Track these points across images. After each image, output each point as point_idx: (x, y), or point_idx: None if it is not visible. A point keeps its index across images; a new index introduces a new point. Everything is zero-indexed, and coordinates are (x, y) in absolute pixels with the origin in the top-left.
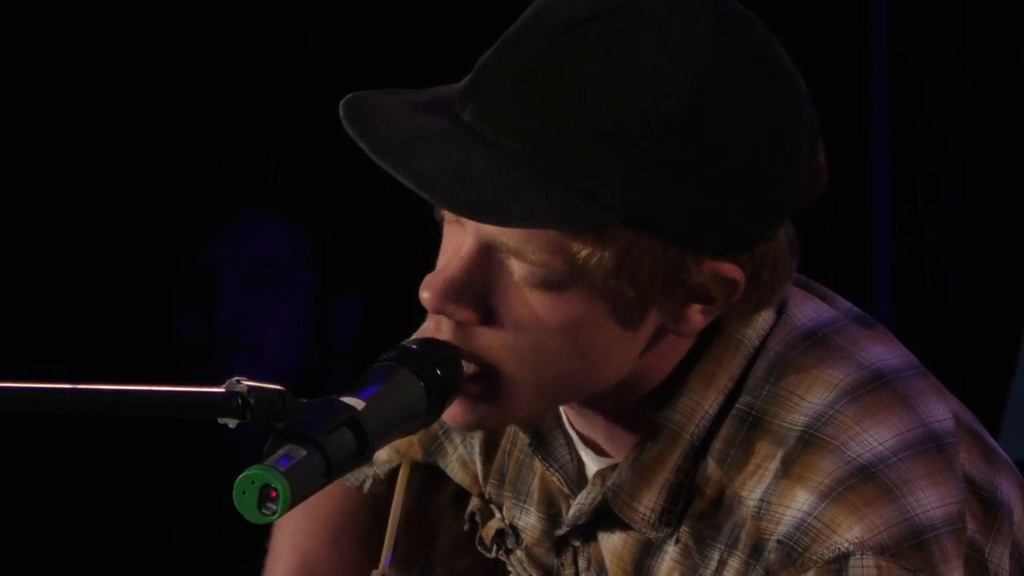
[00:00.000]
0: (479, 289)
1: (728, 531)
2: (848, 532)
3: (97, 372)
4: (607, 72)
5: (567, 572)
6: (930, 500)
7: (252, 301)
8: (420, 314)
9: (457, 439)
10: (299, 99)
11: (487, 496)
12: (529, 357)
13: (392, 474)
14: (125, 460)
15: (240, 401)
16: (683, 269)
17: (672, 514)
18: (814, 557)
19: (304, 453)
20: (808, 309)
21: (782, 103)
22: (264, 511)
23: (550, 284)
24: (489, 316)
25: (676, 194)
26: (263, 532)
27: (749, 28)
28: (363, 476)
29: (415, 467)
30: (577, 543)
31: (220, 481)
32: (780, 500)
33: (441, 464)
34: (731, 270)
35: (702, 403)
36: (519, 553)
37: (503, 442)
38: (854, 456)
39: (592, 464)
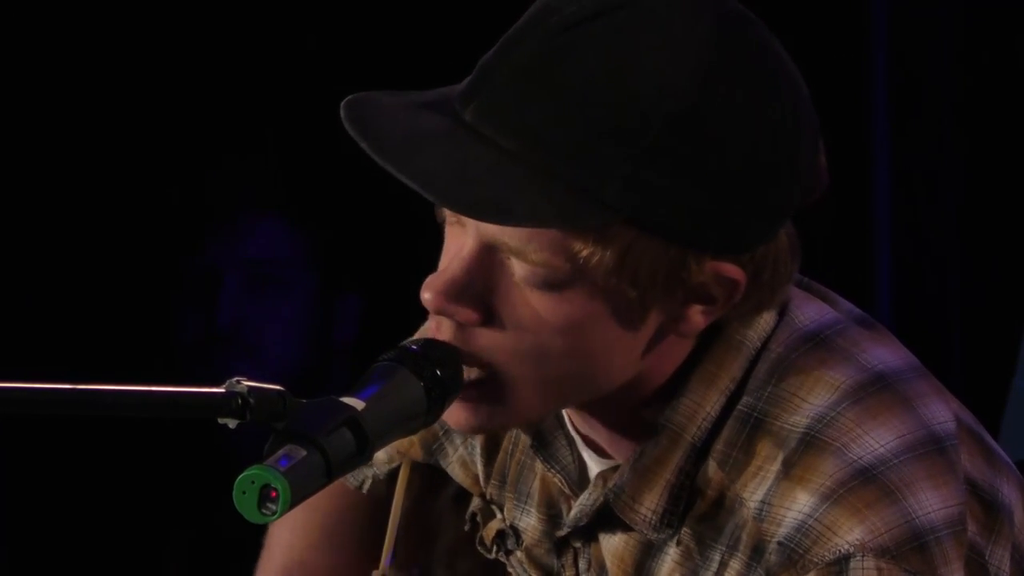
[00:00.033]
0: (480, 289)
1: (729, 532)
2: (849, 534)
3: (97, 372)
4: (608, 71)
5: (568, 573)
6: (931, 502)
7: (252, 301)
8: (420, 314)
9: (458, 439)
10: (299, 99)
11: (488, 497)
12: (530, 357)
13: (392, 475)
14: (125, 460)
15: (240, 401)
16: (684, 269)
17: (673, 515)
18: (815, 559)
19: (304, 453)
20: (809, 311)
21: (783, 103)
22: (264, 511)
23: (551, 284)
24: (490, 316)
25: (677, 193)
26: (263, 532)
27: (749, 28)
28: (362, 476)
29: (415, 467)
30: (578, 544)
31: (220, 481)
32: (781, 502)
33: (442, 464)
34: (732, 270)
35: (703, 404)
36: (519, 554)
37: (505, 443)
38: (855, 458)
39: (593, 465)
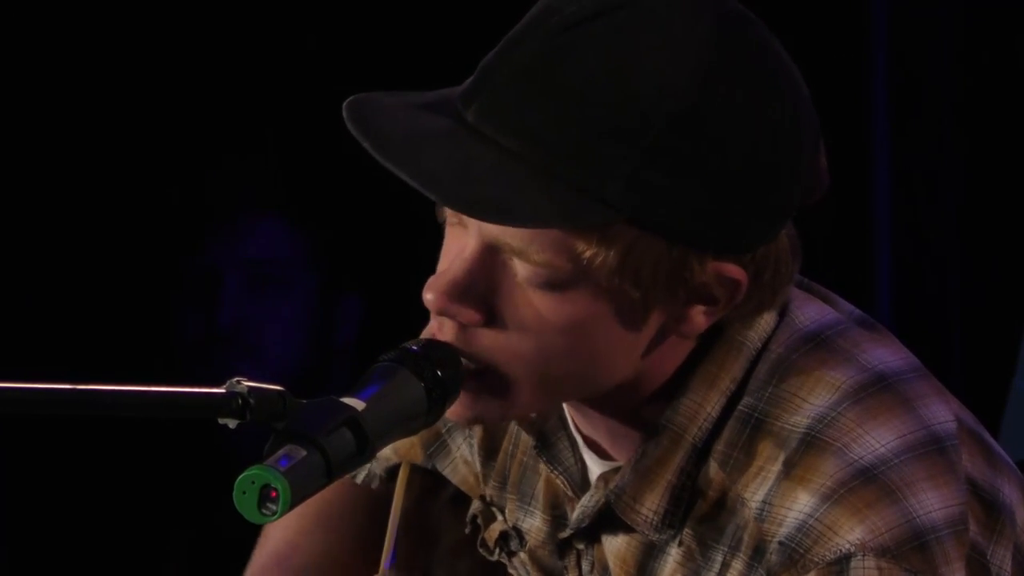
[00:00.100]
0: (482, 290)
1: (730, 533)
2: (850, 534)
3: (97, 372)
4: (608, 71)
5: (571, 575)
6: (932, 502)
7: (252, 301)
8: (421, 314)
9: (460, 439)
10: (299, 99)
11: (488, 498)
12: (532, 357)
13: (390, 472)
14: (126, 460)
15: (240, 401)
16: (686, 269)
17: (675, 516)
18: (815, 559)
19: (304, 453)
20: (810, 311)
21: (783, 103)
22: (264, 511)
23: (554, 284)
24: (493, 317)
25: (677, 193)
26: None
27: (750, 28)
28: (360, 469)
29: (415, 468)
30: (581, 546)
31: (220, 481)
32: (782, 502)
33: (440, 466)
34: (734, 270)
35: (704, 405)
36: (522, 555)
37: (504, 444)
38: (856, 458)
39: (595, 467)
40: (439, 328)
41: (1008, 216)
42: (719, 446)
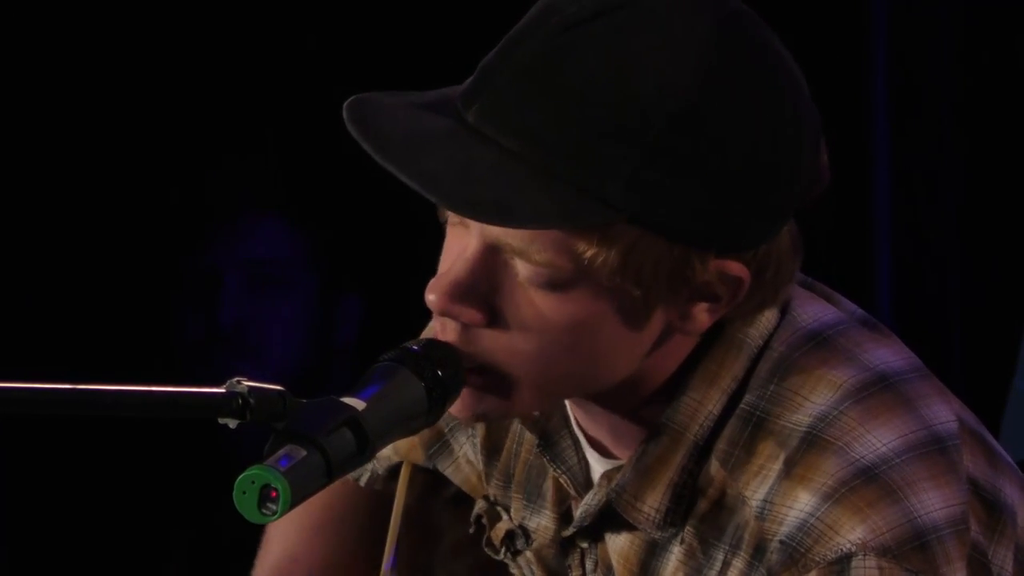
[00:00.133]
0: (484, 290)
1: (732, 531)
2: (851, 533)
3: (97, 372)
4: (608, 71)
5: (574, 573)
6: (933, 502)
7: (253, 301)
8: (421, 314)
9: (463, 438)
10: (299, 99)
11: (492, 498)
12: (534, 357)
13: (392, 471)
14: (126, 461)
15: (240, 401)
16: (688, 267)
17: (676, 514)
18: (816, 558)
19: (304, 453)
20: (812, 310)
21: (784, 102)
22: (264, 511)
23: (555, 284)
24: (495, 317)
25: (678, 193)
26: (263, 532)
27: (750, 26)
28: (362, 470)
29: (416, 468)
30: (584, 544)
31: (220, 481)
32: (783, 501)
33: (442, 467)
34: (736, 268)
35: (705, 403)
36: (528, 555)
37: (508, 443)
38: (857, 457)
39: (598, 465)
40: (442, 329)
41: (1008, 216)
42: (720, 444)
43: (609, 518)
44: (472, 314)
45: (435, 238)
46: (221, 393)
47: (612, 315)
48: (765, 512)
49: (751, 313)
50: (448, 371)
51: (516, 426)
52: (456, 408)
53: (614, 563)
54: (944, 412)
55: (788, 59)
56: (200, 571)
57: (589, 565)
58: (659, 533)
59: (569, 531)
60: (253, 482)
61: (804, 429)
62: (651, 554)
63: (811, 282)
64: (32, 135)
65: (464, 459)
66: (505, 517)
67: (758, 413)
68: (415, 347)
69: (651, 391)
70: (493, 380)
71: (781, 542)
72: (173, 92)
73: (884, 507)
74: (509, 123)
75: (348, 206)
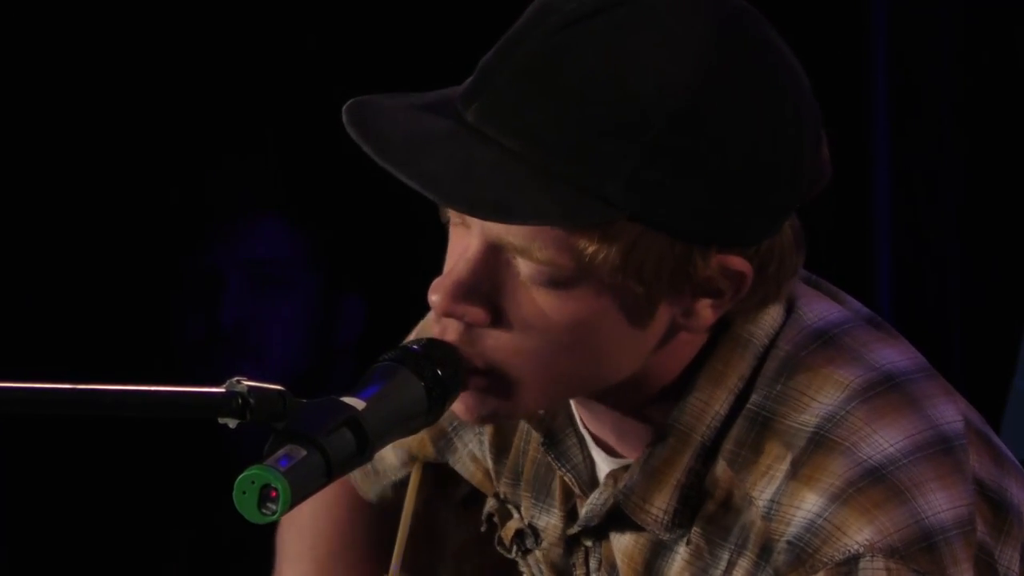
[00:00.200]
0: (487, 290)
1: (738, 531)
2: (858, 534)
3: (98, 372)
4: (608, 69)
5: (578, 572)
6: (940, 502)
7: (254, 301)
8: (422, 314)
9: (467, 436)
10: (299, 99)
11: (502, 496)
12: (537, 356)
13: (407, 480)
14: (126, 460)
15: (240, 401)
16: (690, 263)
17: (684, 515)
18: (824, 559)
19: (304, 453)
20: (818, 308)
21: (784, 100)
22: (264, 511)
23: (557, 282)
24: (498, 316)
25: (678, 193)
26: (263, 532)
27: (750, 23)
28: (381, 488)
29: (426, 471)
30: (588, 543)
31: (220, 481)
32: (790, 501)
33: (451, 461)
34: (738, 263)
35: (712, 403)
36: (537, 554)
37: (516, 441)
38: (864, 458)
39: (603, 464)
40: (444, 330)
41: (1008, 216)
42: (727, 445)
43: (615, 518)
44: (475, 313)
45: (435, 238)
46: (221, 393)
47: (615, 312)
48: (772, 512)
49: (755, 309)
50: (448, 371)
51: (524, 424)
52: (460, 411)
53: (619, 562)
54: (950, 412)
55: (789, 56)
56: (200, 571)
57: (593, 564)
58: (667, 534)
59: (574, 529)
60: (253, 482)
61: (811, 429)
62: (656, 554)
63: (816, 280)
64: (32, 135)
65: (469, 457)
66: (516, 516)
67: (765, 413)
68: (415, 347)
69: (657, 391)
70: (496, 381)
71: (788, 542)
72: (173, 92)
73: (892, 508)
74: (509, 122)
75: (348, 206)
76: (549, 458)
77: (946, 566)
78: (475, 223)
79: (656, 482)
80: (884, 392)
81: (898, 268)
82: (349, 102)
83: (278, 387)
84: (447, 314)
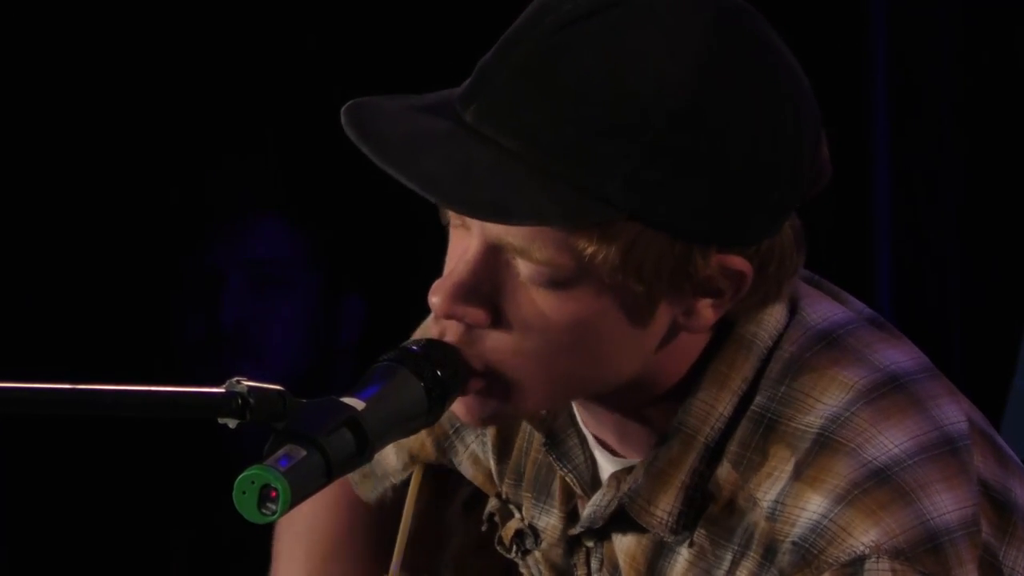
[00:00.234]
0: (487, 291)
1: (742, 533)
2: (864, 535)
3: (97, 372)
4: (606, 68)
5: (580, 572)
6: (945, 503)
7: (254, 301)
8: (423, 314)
9: (468, 437)
10: (299, 99)
11: (504, 496)
12: (538, 356)
13: (405, 482)
14: (126, 460)
15: (240, 401)
16: (690, 263)
17: (688, 517)
18: (829, 560)
19: (304, 453)
20: (821, 309)
21: (783, 100)
22: (264, 511)
23: (557, 282)
24: (498, 317)
25: (677, 192)
26: (263, 532)
27: (748, 21)
28: (381, 489)
29: (427, 473)
30: (590, 543)
31: (220, 481)
32: (795, 502)
33: (454, 462)
34: (738, 262)
35: (716, 405)
36: (536, 554)
37: (518, 441)
38: (870, 459)
39: (606, 464)
40: (442, 331)
41: (1008, 216)
42: (732, 446)
43: (618, 518)
44: (476, 314)
45: (436, 238)
46: (221, 393)
47: (615, 312)
48: (776, 513)
49: (756, 308)
50: (447, 371)
51: (526, 424)
52: (460, 412)
53: (621, 563)
54: (954, 412)
55: (787, 54)
56: (200, 571)
57: (595, 564)
58: (672, 536)
59: (576, 530)
60: (253, 482)
61: (816, 431)
62: (659, 555)
63: (818, 280)
64: (33, 135)
65: (470, 458)
66: (517, 516)
67: (769, 415)
68: (414, 347)
69: (659, 391)
70: (497, 382)
71: (793, 543)
72: (173, 92)
73: (897, 509)
74: (507, 122)
75: (348, 206)
76: (551, 458)
77: (951, 567)
78: (475, 224)
79: (661, 484)
80: (888, 393)
81: (898, 268)
82: (348, 104)
83: (278, 387)
84: (447, 316)
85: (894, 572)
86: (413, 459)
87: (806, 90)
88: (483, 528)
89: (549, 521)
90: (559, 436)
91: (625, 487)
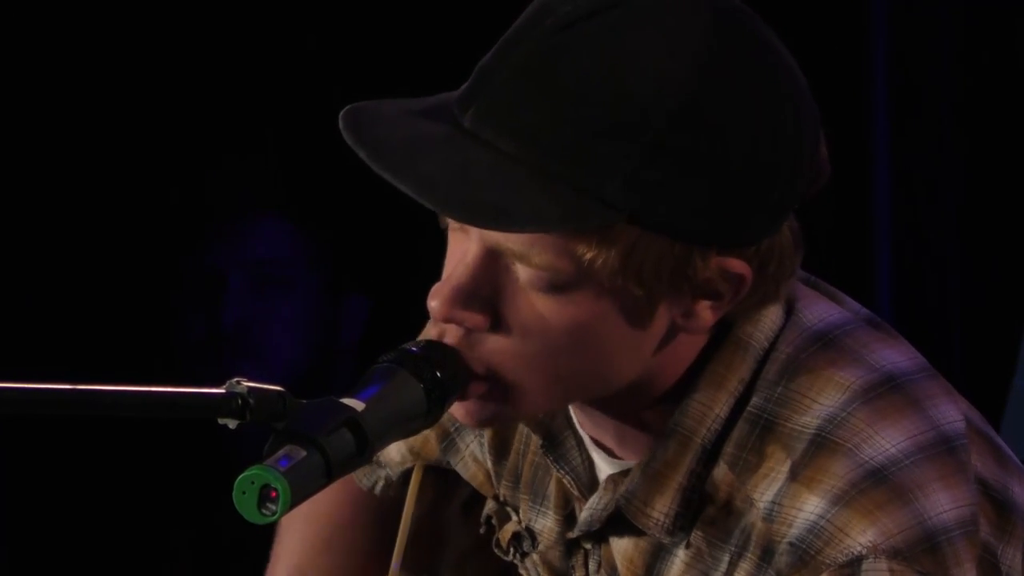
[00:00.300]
0: (487, 294)
1: (739, 534)
2: (861, 536)
3: (97, 372)
4: (605, 70)
5: (578, 575)
6: (943, 503)
7: (255, 302)
8: (424, 314)
9: (469, 436)
10: (299, 99)
11: (502, 498)
12: (537, 360)
13: (405, 476)
14: (126, 461)
15: (240, 402)
16: (690, 265)
17: (685, 519)
18: (827, 560)
19: (304, 454)
20: (818, 310)
21: (782, 99)
22: (264, 511)
23: (556, 286)
24: (497, 321)
25: (678, 190)
26: (263, 532)
27: (747, 22)
28: (375, 478)
29: (428, 472)
30: (588, 545)
31: (220, 481)
32: (792, 503)
33: (453, 462)
34: (738, 265)
35: (712, 406)
36: (534, 556)
37: (515, 443)
38: (866, 459)
39: (603, 466)
40: (441, 334)
41: (1008, 216)
42: (728, 448)
43: (615, 520)
44: (475, 319)
45: (437, 238)
46: (221, 393)
47: (615, 316)
48: (773, 514)
49: (754, 309)
50: (447, 372)
51: (523, 426)
52: (460, 415)
53: (618, 565)
54: (952, 412)
55: (786, 55)
56: (200, 571)
57: (592, 567)
58: (669, 538)
59: (574, 533)
60: (253, 482)
61: (812, 431)
62: (656, 557)
63: (815, 280)
64: (33, 135)
65: (471, 457)
66: (514, 518)
67: (766, 416)
68: (414, 348)
69: (656, 393)
70: (496, 385)
71: (790, 544)
72: (173, 92)
73: (894, 509)
74: (505, 124)
75: (349, 205)
76: (548, 460)
77: (949, 567)
78: (473, 228)
79: (657, 485)
80: (885, 393)
81: (898, 268)
82: (346, 108)
83: (278, 388)
84: (446, 320)
85: (891, 572)
86: (415, 455)
87: (805, 89)
88: (481, 531)
89: (546, 523)
90: (556, 438)
91: (622, 489)
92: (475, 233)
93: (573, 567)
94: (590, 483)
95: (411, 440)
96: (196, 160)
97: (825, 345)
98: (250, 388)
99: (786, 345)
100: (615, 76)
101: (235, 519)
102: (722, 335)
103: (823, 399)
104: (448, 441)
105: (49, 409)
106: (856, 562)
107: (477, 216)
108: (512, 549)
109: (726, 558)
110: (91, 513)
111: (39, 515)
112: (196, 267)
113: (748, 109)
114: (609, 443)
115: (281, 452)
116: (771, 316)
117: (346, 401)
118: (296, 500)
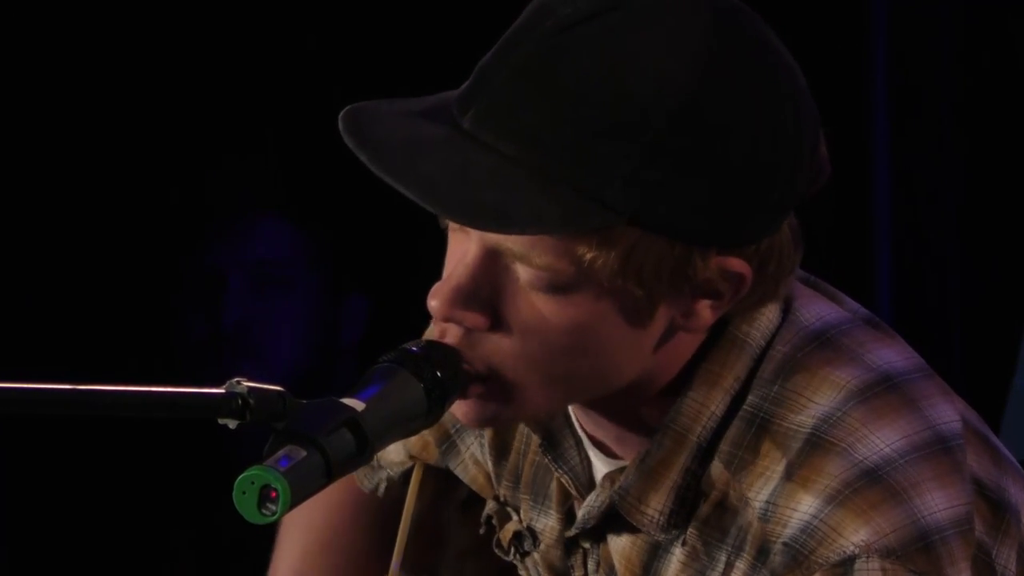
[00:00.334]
0: (486, 295)
1: (735, 533)
2: (854, 535)
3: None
4: (605, 71)
5: (577, 574)
6: (937, 502)
7: (256, 302)
8: (425, 314)
9: (469, 438)
10: (299, 99)
11: (502, 498)
12: (537, 360)
13: (406, 476)
14: (126, 461)
15: (240, 402)
16: (690, 265)
17: (680, 516)
18: (820, 560)
19: (304, 454)
20: (815, 309)
21: (782, 99)
22: (264, 511)
23: (556, 287)
24: (497, 321)
25: (678, 190)
26: (263, 532)
27: (746, 22)
28: (377, 479)
29: (428, 471)
30: (587, 544)
31: (220, 481)
32: (786, 503)
33: (452, 465)
34: (738, 264)
35: (708, 404)
36: (535, 556)
37: (515, 443)
38: (861, 459)
39: (601, 465)
40: (441, 334)
41: (1008, 216)
42: (724, 446)
43: (612, 519)
44: (475, 319)
45: (437, 238)
46: (221, 394)
47: (615, 316)
48: (768, 514)
49: (753, 307)
50: (447, 372)
51: (523, 426)
52: (461, 415)
53: (616, 564)
54: (948, 412)
55: (785, 54)
56: (200, 571)
57: (591, 566)
58: (663, 535)
59: (572, 532)
60: (253, 482)
61: (807, 431)
62: (653, 555)
63: (814, 280)
64: (33, 135)
65: (471, 459)
66: (515, 518)
67: (761, 414)
68: (414, 348)
69: (654, 391)
70: (496, 385)
71: (784, 544)
72: (173, 92)
73: (888, 509)
74: (505, 124)
75: (349, 205)
76: (547, 460)
77: (943, 566)
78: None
79: (652, 483)
80: (881, 393)
81: (898, 268)
82: (346, 109)
83: (278, 388)
84: (446, 319)
85: (884, 571)
86: (413, 458)
87: (804, 89)
88: (481, 531)
89: (547, 523)
90: (555, 437)
91: (616, 485)
92: (475, 233)
93: (572, 566)
94: (588, 482)
95: (410, 445)
96: (196, 160)
97: (822, 344)
98: (250, 388)
99: (783, 344)
100: (615, 76)
101: (235, 519)
102: (719, 333)
103: (819, 398)
104: (448, 444)
105: (49, 409)
106: (848, 561)
107: (477, 218)
108: (513, 549)
109: (723, 557)
110: (91, 513)
111: (39, 515)
112: (196, 267)
113: (748, 109)
114: (607, 441)
115: (281, 452)
116: (768, 315)
117: (346, 401)
118: (296, 500)
